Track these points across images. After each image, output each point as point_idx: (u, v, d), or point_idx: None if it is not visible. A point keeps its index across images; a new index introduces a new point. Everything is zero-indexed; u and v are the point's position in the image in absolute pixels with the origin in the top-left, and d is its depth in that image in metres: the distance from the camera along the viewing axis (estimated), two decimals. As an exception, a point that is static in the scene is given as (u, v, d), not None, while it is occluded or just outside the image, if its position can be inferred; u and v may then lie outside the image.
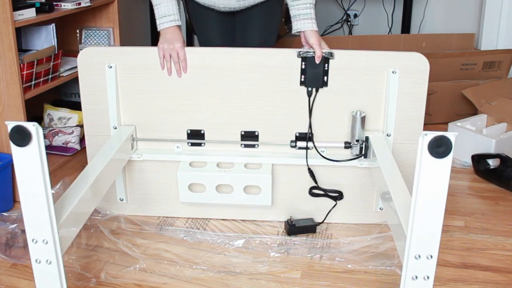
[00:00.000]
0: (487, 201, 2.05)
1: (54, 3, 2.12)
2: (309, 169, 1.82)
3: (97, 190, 1.52)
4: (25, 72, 1.91)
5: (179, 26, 1.79)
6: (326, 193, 1.85)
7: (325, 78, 1.74)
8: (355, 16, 3.63)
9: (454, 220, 1.90)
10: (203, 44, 2.06)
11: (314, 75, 1.74)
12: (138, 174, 1.88)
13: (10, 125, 1.17)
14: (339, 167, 1.81)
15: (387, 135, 1.77)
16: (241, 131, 1.83)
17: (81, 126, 2.26)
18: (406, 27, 3.42)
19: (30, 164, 1.20)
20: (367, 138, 1.75)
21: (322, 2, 3.57)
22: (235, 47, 2.03)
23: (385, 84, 1.74)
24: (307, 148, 1.80)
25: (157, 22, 1.78)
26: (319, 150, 1.80)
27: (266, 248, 1.72)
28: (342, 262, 1.64)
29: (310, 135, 1.79)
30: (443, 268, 1.62)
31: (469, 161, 2.29)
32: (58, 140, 2.25)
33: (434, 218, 1.18)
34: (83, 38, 2.49)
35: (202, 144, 1.85)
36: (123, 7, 3.01)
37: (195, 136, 1.84)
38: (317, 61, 1.72)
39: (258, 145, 1.83)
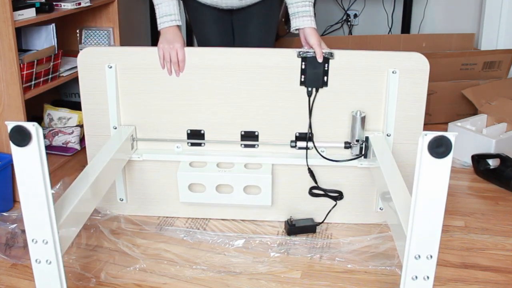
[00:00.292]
0: (487, 201, 2.05)
1: (54, 3, 2.12)
2: (309, 169, 1.82)
3: (97, 190, 1.52)
4: (25, 72, 1.91)
5: (179, 26, 1.79)
6: (326, 193, 1.85)
7: (325, 78, 1.74)
8: (355, 16, 3.63)
9: (454, 220, 1.90)
10: (201, 43, 2.07)
11: (314, 75, 1.74)
12: (138, 174, 1.88)
13: (10, 125, 1.17)
14: (339, 167, 1.81)
15: (387, 135, 1.77)
16: (241, 131, 1.83)
17: (81, 126, 2.26)
18: (406, 27, 3.42)
19: (30, 164, 1.20)
20: (367, 138, 1.75)
21: (322, 2, 3.57)
22: (234, 46, 2.04)
23: (385, 84, 1.74)
24: (307, 148, 1.80)
25: (158, 21, 1.79)
26: (319, 150, 1.80)
27: (266, 248, 1.72)
28: (342, 262, 1.64)
29: (310, 135, 1.79)
30: (443, 268, 1.62)
31: (469, 161, 2.29)
32: (58, 140, 2.25)
33: (434, 218, 1.18)
34: (83, 38, 2.49)
35: (202, 144, 1.85)
36: (123, 7, 3.01)
37: (195, 136, 1.84)
38: (319, 59, 1.72)
39: (258, 145, 1.83)
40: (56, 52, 2.11)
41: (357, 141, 1.76)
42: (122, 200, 1.91)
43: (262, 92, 1.78)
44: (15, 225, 1.72)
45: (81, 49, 1.98)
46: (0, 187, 1.89)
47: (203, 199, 1.82)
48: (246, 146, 1.84)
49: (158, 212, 1.92)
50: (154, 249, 1.72)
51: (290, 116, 1.79)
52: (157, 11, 1.78)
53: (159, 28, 1.79)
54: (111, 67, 1.77)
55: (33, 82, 1.98)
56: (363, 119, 1.74)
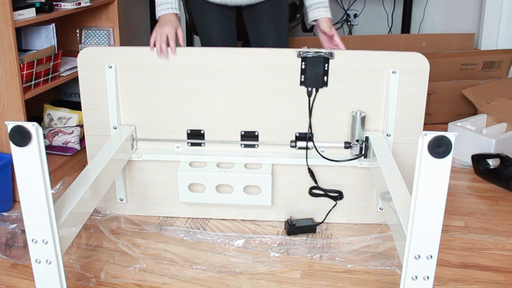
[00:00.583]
0: (487, 201, 2.05)
1: (54, 3, 2.12)
2: (309, 169, 1.82)
3: (97, 190, 1.52)
4: (25, 72, 1.91)
5: (176, 14, 1.82)
6: (326, 193, 1.85)
7: (325, 78, 1.74)
8: (355, 16, 3.63)
9: (454, 220, 1.90)
10: (204, 41, 2.07)
11: (314, 75, 1.74)
12: (138, 174, 1.88)
13: (10, 125, 1.17)
14: (339, 167, 1.81)
15: (387, 135, 1.77)
16: (241, 131, 1.83)
17: (81, 126, 2.26)
18: (406, 27, 3.42)
19: (30, 164, 1.20)
20: (367, 138, 1.75)
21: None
22: (237, 44, 2.05)
23: (385, 84, 1.74)
24: (307, 148, 1.80)
25: (156, 10, 1.82)
26: (319, 150, 1.80)
27: (266, 248, 1.72)
28: (342, 262, 1.64)
29: (310, 135, 1.79)
30: (443, 268, 1.62)
31: (469, 161, 2.29)
32: (58, 140, 2.25)
33: (434, 218, 1.18)
34: (83, 38, 2.49)
35: (202, 144, 1.85)
36: (123, 7, 3.01)
37: (195, 136, 1.84)
38: (342, 48, 1.82)
39: (258, 145, 1.83)
40: (56, 52, 2.11)
41: (357, 141, 1.76)
42: (122, 200, 1.91)
43: (262, 92, 1.78)
44: (15, 225, 1.72)
45: (81, 49, 1.98)
46: (0, 187, 1.89)
47: (203, 199, 1.82)
48: (246, 146, 1.84)
49: (158, 212, 1.92)
50: (154, 249, 1.72)
51: (290, 116, 1.79)
52: (156, 1, 1.82)
53: (156, 17, 1.82)
54: (111, 67, 1.77)
55: (33, 82, 1.98)
56: (363, 119, 1.74)
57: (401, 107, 1.74)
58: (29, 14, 1.92)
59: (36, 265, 1.29)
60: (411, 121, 1.76)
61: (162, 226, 1.85)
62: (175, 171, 1.82)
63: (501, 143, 2.28)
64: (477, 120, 2.50)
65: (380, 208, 1.85)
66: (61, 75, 2.16)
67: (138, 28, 3.42)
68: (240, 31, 2.14)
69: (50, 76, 2.08)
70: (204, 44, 2.10)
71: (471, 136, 2.33)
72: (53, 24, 2.18)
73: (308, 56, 1.72)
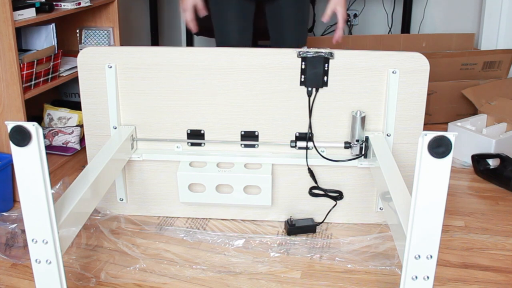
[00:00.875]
0: (487, 201, 2.05)
1: (54, 3, 2.12)
2: (309, 169, 1.82)
3: (97, 190, 1.52)
4: (25, 72, 1.91)
5: None
6: (326, 193, 1.85)
7: (325, 78, 1.74)
8: (355, 16, 3.63)
9: (454, 220, 1.90)
10: (220, 37, 2.08)
11: (314, 75, 1.74)
12: (138, 174, 1.88)
13: (10, 125, 1.17)
14: (339, 167, 1.81)
15: (387, 135, 1.77)
16: (241, 131, 1.83)
17: (81, 126, 2.26)
18: (406, 27, 3.42)
19: (30, 164, 1.20)
20: (367, 138, 1.75)
21: (322, 2, 3.56)
22: (253, 42, 2.08)
23: (385, 84, 1.74)
24: (307, 148, 1.80)
25: None
26: (319, 150, 1.80)
27: (266, 248, 1.72)
28: (342, 262, 1.64)
29: (310, 135, 1.79)
30: (443, 268, 1.62)
31: (469, 161, 2.30)
32: (58, 140, 2.25)
33: (434, 218, 1.18)
34: (83, 38, 2.49)
35: (202, 144, 1.85)
36: (123, 7, 3.01)
37: (195, 136, 1.84)
38: (336, 37, 1.85)
39: (258, 145, 1.83)
40: (56, 52, 2.11)
41: (357, 141, 1.76)
42: (122, 200, 1.91)
43: (262, 92, 1.78)
44: (15, 225, 1.72)
45: (81, 49, 1.98)
46: (0, 187, 1.89)
47: (203, 199, 1.82)
48: (246, 146, 1.84)
49: (158, 212, 1.92)
50: (154, 249, 1.72)
51: (290, 116, 1.79)
52: None
53: None
54: (111, 67, 1.77)
55: (33, 82, 1.98)
56: (363, 119, 1.74)
57: (401, 107, 1.74)
58: (29, 14, 1.92)
59: (36, 265, 1.29)
60: (411, 121, 1.76)
61: (162, 226, 1.85)
62: (175, 171, 1.82)
63: (501, 143, 2.28)
64: (477, 120, 2.50)
65: (380, 208, 1.85)
66: (61, 75, 2.16)
67: (138, 28, 3.42)
68: (257, 31, 2.14)
69: (50, 76, 2.08)
70: (218, 35, 2.10)
71: (471, 136, 2.33)
72: (53, 24, 2.18)
73: (308, 56, 1.72)
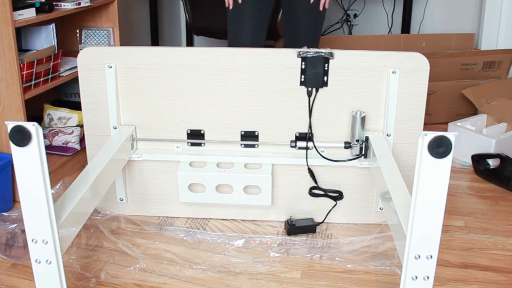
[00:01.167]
0: (487, 201, 2.05)
1: (54, 3, 2.12)
2: (309, 169, 1.82)
3: (97, 190, 1.52)
4: (25, 72, 1.91)
5: None
6: (326, 193, 1.85)
7: (325, 78, 1.74)
8: (355, 16, 3.63)
9: (454, 220, 1.90)
10: (233, 35, 2.09)
11: (314, 75, 1.74)
12: (138, 174, 1.88)
13: (10, 125, 1.17)
14: (339, 167, 1.81)
15: (387, 135, 1.77)
16: (241, 131, 1.83)
17: (81, 126, 2.26)
18: (406, 27, 3.42)
19: (30, 164, 1.20)
20: (367, 138, 1.75)
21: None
22: (266, 43, 2.11)
23: (385, 84, 1.74)
24: (307, 148, 1.80)
25: None
26: (319, 150, 1.80)
27: (266, 248, 1.72)
28: (342, 262, 1.64)
29: (310, 135, 1.79)
30: (443, 268, 1.62)
31: (469, 161, 2.29)
32: (58, 140, 2.25)
33: (434, 218, 1.18)
34: (83, 38, 2.49)
35: (202, 144, 1.85)
36: (123, 7, 3.01)
37: (195, 136, 1.84)
38: (321, 7, 1.85)
39: (258, 145, 1.83)
40: (56, 52, 2.11)
41: (357, 141, 1.76)
42: (122, 200, 1.91)
43: (262, 92, 1.78)
44: (15, 225, 1.72)
45: (81, 49, 1.98)
46: (0, 187, 1.89)
47: (203, 199, 1.82)
48: (246, 146, 1.84)
49: (158, 212, 1.92)
50: (154, 249, 1.72)
51: (290, 116, 1.79)
52: None
53: None
54: (111, 67, 1.77)
55: (33, 82, 1.98)
56: (363, 119, 1.74)
57: (401, 107, 1.74)
58: (29, 14, 1.92)
59: (36, 265, 1.29)
60: (411, 121, 1.76)
61: (162, 226, 1.85)
62: (175, 171, 1.82)
63: (501, 143, 2.28)
64: (477, 120, 2.50)
65: (380, 208, 1.85)
66: (61, 75, 2.16)
67: (138, 28, 3.42)
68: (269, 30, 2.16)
69: (50, 76, 2.08)
70: (232, 32, 2.12)
71: (471, 136, 2.33)
72: (53, 24, 2.18)
73: (308, 56, 1.72)
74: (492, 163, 2.21)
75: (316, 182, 1.84)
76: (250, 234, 1.80)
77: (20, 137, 1.17)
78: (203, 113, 1.81)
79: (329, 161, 1.78)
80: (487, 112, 2.54)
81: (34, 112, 2.34)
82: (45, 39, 2.19)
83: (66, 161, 2.19)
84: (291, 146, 1.82)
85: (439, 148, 1.12)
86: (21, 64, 1.88)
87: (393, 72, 1.71)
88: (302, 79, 1.75)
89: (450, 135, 1.12)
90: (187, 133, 1.84)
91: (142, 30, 3.47)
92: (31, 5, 1.94)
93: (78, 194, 1.39)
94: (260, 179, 1.77)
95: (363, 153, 1.77)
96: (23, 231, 1.60)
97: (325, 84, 1.75)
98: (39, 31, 2.19)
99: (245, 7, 2.06)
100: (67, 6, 2.15)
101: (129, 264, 1.64)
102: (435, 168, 1.14)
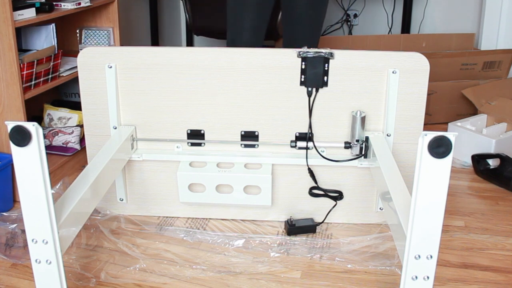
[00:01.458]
0: (487, 201, 2.05)
1: (54, 3, 2.12)
2: (309, 169, 1.82)
3: (97, 190, 1.52)
4: (25, 72, 1.91)
5: None
6: (326, 193, 1.85)
7: (325, 78, 1.74)
8: (355, 16, 3.63)
9: (454, 220, 1.90)
10: (232, 34, 2.09)
11: (314, 75, 1.74)
12: (138, 174, 1.88)
13: (10, 125, 1.17)
14: (339, 167, 1.81)
15: (387, 135, 1.77)
16: (241, 131, 1.83)
17: (81, 126, 2.26)
18: (406, 27, 3.42)
19: (30, 164, 1.20)
20: (367, 138, 1.75)
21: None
22: (265, 42, 2.09)
23: (385, 84, 1.74)
24: (307, 148, 1.80)
25: None
26: (319, 150, 1.80)
27: (266, 248, 1.72)
28: (342, 262, 1.64)
29: (310, 135, 1.79)
30: (443, 268, 1.62)
31: (469, 161, 2.30)
32: (58, 140, 2.25)
33: (434, 218, 1.18)
34: (83, 38, 2.49)
35: (202, 144, 1.85)
36: (123, 7, 3.01)
37: (195, 136, 1.84)
38: None
39: (258, 145, 1.83)
40: (56, 52, 2.11)
41: (357, 141, 1.76)
42: (122, 200, 1.91)
43: (262, 92, 1.78)
44: (15, 225, 1.72)
45: (81, 49, 1.98)
46: (0, 187, 1.89)
47: (203, 199, 1.82)
48: (246, 146, 1.84)
49: (158, 212, 1.92)
50: (154, 249, 1.72)
51: (290, 116, 1.79)
52: None
53: None
54: (111, 67, 1.77)
55: (33, 82, 1.98)
56: (363, 119, 1.74)
57: (401, 107, 1.74)
58: (29, 14, 1.92)
59: (36, 265, 1.29)
60: (411, 121, 1.76)
61: (162, 226, 1.85)
62: (175, 171, 1.82)
63: (501, 143, 2.28)
64: (477, 120, 2.50)
65: (380, 208, 1.85)
66: (61, 75, 2.16)
67: (138, 28, 3.42)
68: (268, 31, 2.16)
69: (50, 76, 2.08)
70: (231, 31, 2.11)
71: (471, 136, 2.33)
72: (53, 24, 2.18)
73: (308, 56, 1.72)
74: (492, 163, 2.21)
75: (316, 182, 1.84)
76: (250, 234, 1.80)
77: (20, 137, 1.17)
78: (203, 113, 1.81)
79: (329, 161, 1.78)
80: (487, 112, 2.54)
81: (34, 112, 2.34)
82: (45, 39, 2.19)
83: (66, 161, 2.19)
84: (291, 146, 1.82)
85: (439, 148, 1.12)
86: (21, 64, 1.88)
87: (393, 72, 1.71)
88: (302, 79, 1.75)
89: (450, 135, 1.12)
90: (187, 133, 1.84)
91: (142, 30, 3.47)
92: (31, 5, 1.94)
93: (78, 194, 1.39)
94: (260, 179, 1.77)
95: (363, 153, 1.77)
96: (23, 231, 1.60)
97: (325, 84, 1.75)
98: (39, 31, 2.19)
99: (245, 7, 2.06)
100: (67, 6, 2.15)
101: (129, 264, 1.64)
102: (435, 168, 1.14)
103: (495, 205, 2.02)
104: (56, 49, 2.14)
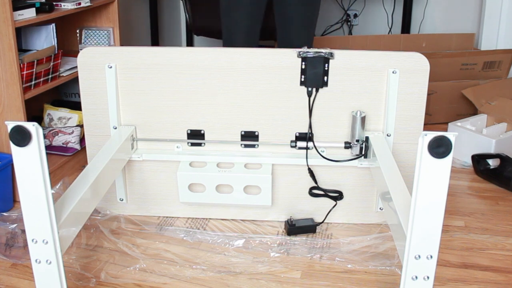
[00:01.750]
0: (487, 201, 2.05)
1: (54, 3, 2.12)
2: (309, 169, 1.82)
3: (97, 190, 1.52)
4: (25, 72, 1.91)
5: None
6: (326, 193, 1.85)
7: (325, 78, 1.74)
8: (355, 16, 3.63)
9: (454, 220, 1.90)
10: (227, 36, 2.08)
11: (314, 75, 1.74)
12: (138, 174, 1.88)
13: (10, 125, 1.17)
14: (339, 167, 1.81)
15: (387, 135, 1.77)
16: (241, 131, 1.83)
17: (81, 126, 2.26)
18: (406, 27, 3.42)
19: (30, 164, 1.20)
20: (367, 138, 1.75)
21: (322, 2, 3.56)
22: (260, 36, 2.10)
23: (385, 84, 1.74)
24: (307, 148, 1.80)
25: None
26: (319, 150, 1.80)
27: (266, 248, 1.72)
28: (342, 262, 1.64)
29: (310, 135, 1.79)
30: (443, 268, 1.62)
31: (469, 161, 2.30)
32: (58, 140, 2.25)
33: (434, 218, 1.18)
34: (83, 38, 2.49)
35: (202, 144, 1.85)
36: (123, 7, 3.01)
37: (195, 136, 1.84)
38: None
39: (258, 145, 1.83)
40: (56, 52, 2.11)
41: (357, 141, 1.76)
42: (122, 200, 1.91)
43: (262, 92, 1.78)
44: (15, 225, 1.72)
45: (81, 49, 1.98)
46: (0, 187, 1.89)
47: (203, 199, 1.82)
48: (246, 146, 1.84)
49: (158, 212, 1.92)
50: (154, 249, 1.72)
51: (290, 116, 1.79)
52: None
53: None
54: (111, 67, 1.77)
55: (33, 82, 1.98)
56: (363, 119, 1.74)
57: (401, 107, 1.74)
58: (29, 14, 1.92)
59: (36, 265, 1.29)
60: (411, 121, 1.76)
61: (162, 226, 1.85)
62: (175, 171, 1.82)
63: (501, 143, 2.28)
64: (477, 120, 2.50)
65: (380, 208, 1.85)
66: (61, 75, 2.16)
67: (138, 28, 3.42)
68: (260, 31, 2.15)
69: (50, 76, 2.08)
70: (226, 33, 2.11)
71: (471, 136, 2.33)
72: (53, 24, 2.18)
73: (308, 56, 1.72)
74: (492, 163, 2.21)
75: (316, 182, 1.84)
76: (250, 234, 1.80)
77: (20, 137, 1.17)
78: (203, 113, 1.81)
79: (329, 161, 1.78)
80: (487, 112, 2.54)
81: (34, 112, 2.34)
82: (45, 39, 2.19)
83: (66, 161, 2.19)
84: (291, 146, 1.82)
85: (439, 148, 1.12)
86: (21, 64, 1.88)
87: (393, 72, 1.71)
88: (302, 79, 1.75)
89: (450, 135, 1.12)
90: (187, 133, 1.84)
91: (142, 30, 3.47)
92: (31, 5, 1.94)
93: (78, 194, 1.39)
94: (260, 179, 1.77)
95: (363, 153, 1.77)
96: (23, 231, 1.60)
97: (325, 84, 1.75)
98: (39, 31, 2.19)
99: (238, 7, 2.06)
100: (67, 6, 2.15)
101: (129, 264, 1.64)
102: (435, 168, 1.14)
103: (495, 205, 2.02)
104: (56, 49, 2.14)
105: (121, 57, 1.77)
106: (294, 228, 1.79)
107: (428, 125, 2.65)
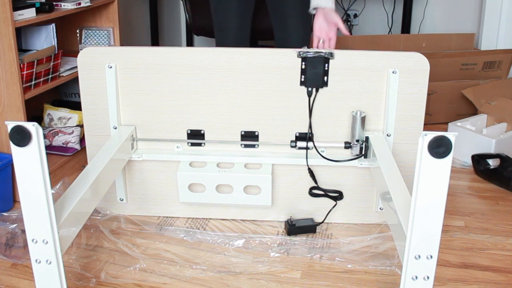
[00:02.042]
0: (487, 201, 2.05)
1: (54, 3, 2.12)
2: (309, 169, 1.82)
3: (97, 190, 1.52)
4: (25, 72, 1.91)
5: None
6: (326, 193, 1.85)
7: (325, 78, 1.74)
8: (355, 16, 3.63)
9: (454, 220, 1.90)
10: (218, 34, 2.09)
11: (314, 75, 1.74)
12: (138, 174, 1.88)
13: (10, 125, 1.17)
14: (339, 167, 1.81)
15: (387, 135, 1.77)
16: (241, 131, 1.83)
17: (81, 126, 2.27)
18: (406, 27, 3.42)
19: (30, 164, 1.20)
20: (367, 138, 1.75)
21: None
22: (251, 30, 2.10)
23: (385, 84, 1.74)
24: (307, 148, 1.80)
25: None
26: (319, 150, 1.80)
27: (266, 248, 1.72)
28: (342, 262, 1.64)
29: (310, 135, 1.79)
30: (443, 268, 1.62)
31: (469, 161, 2.30)
32: (58, 140, 2.25)
33: (434, 218, 1.18)
34: (83, 38, 2.49)
35: (202, 144, 1.85)
36: (123, 7, 3.01)
37: (195, 136, 1.84)
38: (346, 33, 1.83)
39: (258, 145, 1.83)
40: (56, 52, 2.11)
41: (357, 141, 1.76)
42: (122, 200, 1.91)
43: (262, 92, 1.78)
44: (15, 225, 1.72)
45: (81, 49, 1.98)
46: (0, 187, 1.90)
47: (203, 199, 1.82)
48: (246, 146, 1.84)
49: (158, 212, 1.92)
50: (154, 249, 1.72)
51: (290, 116, 1.79)
52: None
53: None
54: (111, 67, 1.77)
55: (33, 82, 1.98)
56: (363, 119, 1.74)
57: (401, 107, 1.74)
58: (29, 14, 1.92)
59: (36, 265, 1.29)
60: (411, 121, 1.76)
61: (162, 226, 1.85)
62: (175, 171, 1.82)
63: (501, 143, 2.28)
64: (477, 120, 2.50)
65: (380, 208, 1.85)
66: (61, 75, 2.16)
67: (138, 28, 3.42)
68: (258, 31, 2.15)
69: (50, 76, 2.09)
70: (217, 31, 2.11)
71: (471, 136, 2.33)
72: (53, 24, 2.18)
73: (308, 56, 1.72)
74: (492, 163, 2.21)
75: (316, 182, 1.84)
76: (250, 234, 1.80)
77: (20, 137, 1.17)
78: (203, 113, 1.81)
79: (329, 161, 1.78)
80: (487, 112, 2.54)
81: (34, 112, 2.34)
82: (45, 39, 2.19)
83: (66, 161, 2.19)
84: (291, 146, 1.82)
85: (439, 148, 1.12)
86: (21, 64, 1.88)
87: (393, 72, 1.71)
88: (302, 79, 1.75)
89: (450, 135, 1.12)
90: (187, 133, 1.84)
91: (142, 30, 3.47)
92: (31, 5, 1.94)
93: (78, 194, 1.39)
94: (260, 179, 1.78)
95: (363, 153, 1.77)
96: (23, 231, 1.60)
97: (325, 84, 1.75)
98: (39, 31, 2.19)
99: (227, 5, 2.06)
100: (67, 6, 2.15)
101: (129, 264, 1.64)
102: (435, 168, 1.14)
103: (495, 205, 2.02)
104: (56, 49, 2.14)
105: (121, 57, 1.77)
106: (294, 228, 1.79)
107: (428, 125, 2.65)
